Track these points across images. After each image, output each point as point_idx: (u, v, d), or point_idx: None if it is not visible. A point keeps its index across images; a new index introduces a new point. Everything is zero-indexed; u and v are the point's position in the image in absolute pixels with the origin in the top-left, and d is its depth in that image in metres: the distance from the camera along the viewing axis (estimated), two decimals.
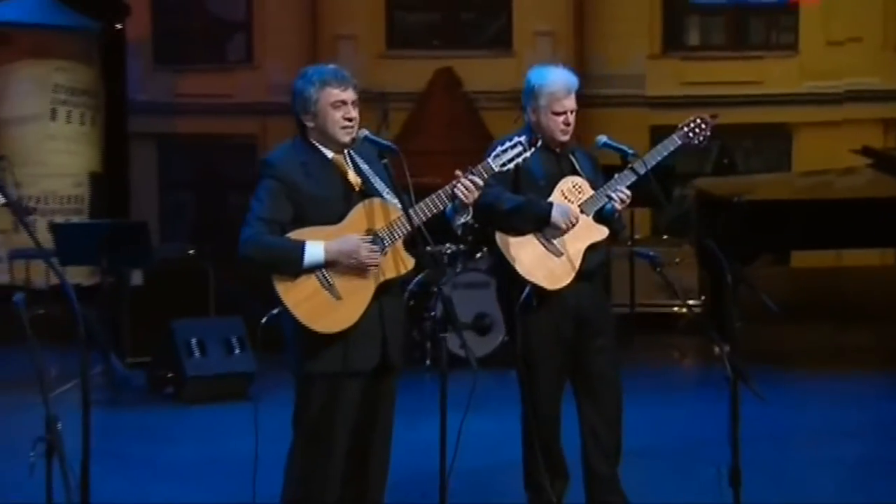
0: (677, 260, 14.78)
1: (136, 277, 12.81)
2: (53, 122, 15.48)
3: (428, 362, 12.92)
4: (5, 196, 6.43)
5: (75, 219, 14.99)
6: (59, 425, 6.03)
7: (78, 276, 13.97)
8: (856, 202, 13.16)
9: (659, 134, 16.44)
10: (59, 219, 14.59)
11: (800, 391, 12.36)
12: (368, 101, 18.06)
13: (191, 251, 14.07)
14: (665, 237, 15.55)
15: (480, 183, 6.87)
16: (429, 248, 7.06)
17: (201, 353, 11.08)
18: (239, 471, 7.77)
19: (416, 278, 12.17)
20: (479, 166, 6.91)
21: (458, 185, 6.73)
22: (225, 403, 10.72)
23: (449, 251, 12.95)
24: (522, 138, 7.13)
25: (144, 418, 10.98)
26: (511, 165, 7.02)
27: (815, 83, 17.19)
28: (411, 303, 12.69)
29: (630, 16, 17.54)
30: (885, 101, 16.98)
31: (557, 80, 7.78)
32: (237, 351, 11.44)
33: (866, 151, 14.21)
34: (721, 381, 9.14)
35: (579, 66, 17.50)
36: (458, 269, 12.87)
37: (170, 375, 11.30)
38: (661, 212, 15.90)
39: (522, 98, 8.03)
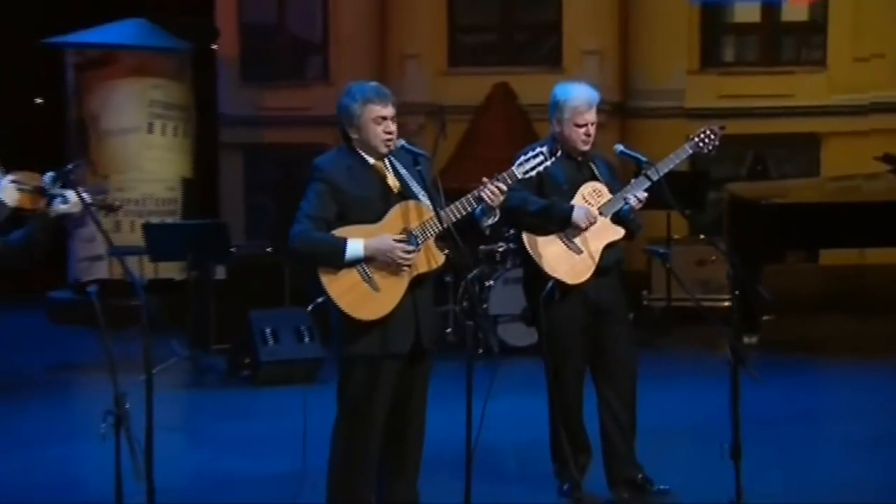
0: (713, 258, 14.50)
1: (221, 272, 12.99)
2: (150, 134, 15.46)
3: (480, 350, 13.04)
4: (81, 198, 6.66)
5: (169, 219, 15.00)
6: (127, 403, 6.19)
7: (170, 271, 14.19)
8: (879, 205, 13.13)
9: None
10: (155, 219, 14.58)
11: (823, 376, 12.30)
12: (431, 113, 18.07)
13: (269, 249, 14.24)
14: (702, 237, 15.21)
15: (504, 188, 6.94)
16: (460, 246, 7.25)
17: (275, 340, 11.18)
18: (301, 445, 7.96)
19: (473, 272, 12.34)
20: (505, 173, 6.97)
21: (485, 189, 6.81)
22: (294, 386, 10.64)
23: (501, 249, 12.81)
24: (544, 148, 7.18)
25: (223, 398, 11.17)
26: (533, 173, 7.12)
27: (842, 96, 16.90)
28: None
29: (671, 35, 17.28)
30: None
31: (580, 96, 7.88)
32: (307, 339, 11.52)
33: (888, 158, 13.97)
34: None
35: (623, 81, 17.74)
36: (508, 266, 12.74)
37: (247, 360, 11.40)
38: (697, 214, 15.90)
39: (548, 110, 8.06)
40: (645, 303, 14.69)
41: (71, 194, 6.67)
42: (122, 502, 6.18)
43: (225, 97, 18.41)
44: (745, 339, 13.44)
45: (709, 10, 17.68)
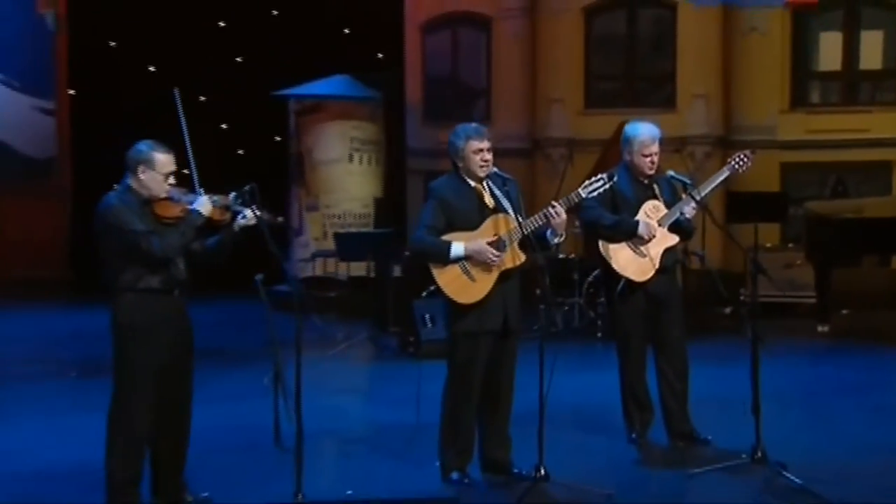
0: (798, 262, 14.22)
1: (396, 270, 13.35)
2: (350, 163, 15.76)
3: (599, 335, 12.79)
4: (255, 213, 6.85)
5: (363, 230, 15.39)
6: (276, 373, 6.70)
7: (358, 269, 14.35)
8: None
9: (787, 170, 16.81)
10: (354, 230, 15.12)
11: (877, 358, 12.06)
12: (569, 145, 17.79)
13: None
14: (790, 245, 15.31)
15: (563, 209, 7.21)
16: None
17: (432, 324, 11.47)
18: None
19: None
20: (573, 193, 7.32)
21: (550, 209, 7.16)
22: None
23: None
24: (605, 175, 7.43)
25: (393, 369, 11.58)
26: (594, 193, 7.38)
27: None
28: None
29: (765, 81, 16.91)
30: None
31: (645, 133, 8.21)
32: None
33: None
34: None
35: (726, 119, 17.43)
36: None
37: (411, 339, 11.77)
38: (787, 226, 15.70)
39: (622, 144, 8.38)
40: (742, 298, 14.35)
41: (248, 211, 6.82)
42: (279, 436, 6.65)
43: (411, 133, 18.43)
44: (819, 328, 13.24)
45: (797, 59, 17.21)
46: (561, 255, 13.30)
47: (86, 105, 17.15)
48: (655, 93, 17.62)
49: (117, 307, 6.68)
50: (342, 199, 15.76)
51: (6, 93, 17.95)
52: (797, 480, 7.19)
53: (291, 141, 16.29)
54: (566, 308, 13.18)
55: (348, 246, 13.40)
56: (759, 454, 7.51)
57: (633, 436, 8.24)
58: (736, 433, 8.01)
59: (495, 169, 7.33)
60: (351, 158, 15.74)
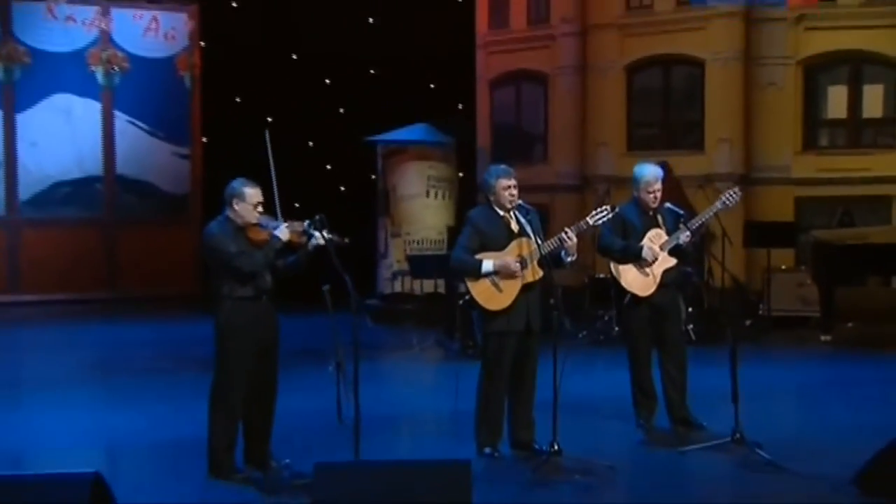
0: (808, 281, 13.94)
1: (462, 287, 13.26)
2: (427, 198, 15.70)
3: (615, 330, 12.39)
4: (325, 238, 6.93)
5: (431, 253, 15.09)
6: (338, 363, 6.64)
7: (432, 286, 14.52)
8: None
9: (801, 204, 16.62)
10: (423, 253, 14.98)
11: (868, 360, 11.97)
12: (614, 182, 17.00)
13: None
14: (802, 267, 14.95)
15: (574, 233, 7.41)
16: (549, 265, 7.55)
17: None
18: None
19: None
20: (581, 221, 7.54)
21: (563, 234, 7.37)
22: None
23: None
24: (608, 207, 7.71)
25: (454, 368, 10.99)
26: (599, 222, 7.59)
27: None
28: None
29: (781, 127, 16.75)
30: None
31: (650, 174, 8.32)
32: None
33: None
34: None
35: (747, 159, 17.14)
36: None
37: (471, 343, 11.49)
38: (800, 251, 15.28)
39: (633, 182, 8.42)
40: (760, 312, 14.15)
41: (318, 235, 6.93)
42: (340, 414, 6.59)
43: (481, 172, 18.03)
44: (822, 338, 13.02)
45: (808, 108, 16.98)
46: (600, 275, 13.09)
47: (215, 150, 17.19)
48: (687, 137, 17.47)
49: (218, 311, 6.97)
50: (420, 227, 15.66)
51: (151, 141, 18.04)
52: (767, 456, 7.30)
53: (379, 179, 16.22)
54: (606, 318, 13.02)
55: (420, 266, 13.50)
56: (738, 436, 7.59)
57: (641, 421, 8.33)
58: (746, 420, 7.92)
59: (520, 201, 7.50)
60: (428, 194, 15.70)
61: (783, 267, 14.65)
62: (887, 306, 14.65)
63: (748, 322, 13.98)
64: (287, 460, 6.99)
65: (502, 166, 7.78)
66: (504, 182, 7.52)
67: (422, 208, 15.64)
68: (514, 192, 7.52)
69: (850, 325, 13.65)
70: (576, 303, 13.15)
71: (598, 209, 7.67)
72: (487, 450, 7.52)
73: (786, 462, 7.29)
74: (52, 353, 13.20)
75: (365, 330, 13.73)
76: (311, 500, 5.48)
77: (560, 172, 17.95)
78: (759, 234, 14.68)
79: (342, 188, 17.10)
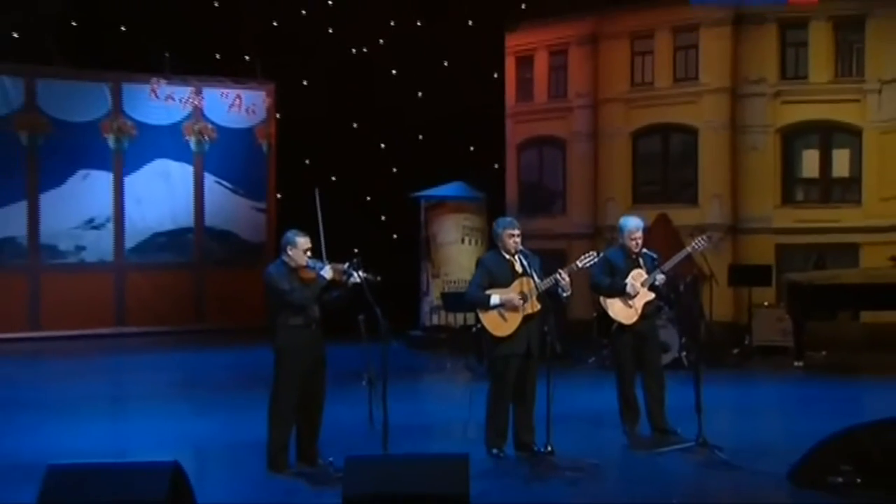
0: (787, 315, 13.61)
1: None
2: (462, 244, 15.55)
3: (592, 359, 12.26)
4: (360, 277, 7.13)
5: (461, 290, 14.12)
6: (369, 378, 6.95)
7: (462, 319, 14.09)
8: (891, 284, 12.88)
9: (780, 250, 16.49)
10: (454, 290, 14.28)
11: (832, 383, 11.84)
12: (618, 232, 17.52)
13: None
14: (782, 304, 14.29)
15: (566, 273, 7.57)
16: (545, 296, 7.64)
17: None
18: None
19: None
20: (572, 264, 7.74)
21: (557, 275, 7.57)
22: None
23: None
24: (595, 252, 7.98)
25: (478, 386, 10.23)
26: (588, 265, 7.83)
27: (872, 221, 16.01)
28: None
29: (763, 184, 16.49)
30: None
31: (632, 225, 8.46)
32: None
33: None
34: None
35: (734, 212, 16.74)
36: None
37: None
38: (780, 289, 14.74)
39: (618, 231, 8.54)
40: (745, 342, 13.96)
41: (355, 274, 7.16)
42: (372, 419, 6.93)
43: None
44: (795, 363, 12.85)
45: (786, 169, 16.75)
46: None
47: (287, 205, 17.14)
48: (683, 193, 17.32)
49: (276, 337, 7.33)
50: (456, 269, 15.40)
51: (234, 197, 17.91)
52: (723, 456, 7.56)
53: (422, 228, 16.05)
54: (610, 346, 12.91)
55: (452, 302, 13.41)
56: (702, 440, 7.81)
57: (626, 428, 8.45)
58: (722, 428, 8.33)
59: (521, 247, 7.72)
60: (463, 241, 15.57)
61: (765, 303, 14.55)
62: (855, 337, 14.68)
63: (735, 350, 13.79)
64: (331, 458, 7.09)
65: (508, 219, 8.06)
66: (509, 232, 7.73)
67: (457, 253, 15.53)
68: (518, 239, 7.71)
69: (823, 353, 13.60)
70: (585, 333, 13.09)
71: (586, 254, 7.89)
72: (495, 451, 7.70)
73: (741, 462, 7.51)
74: (149, 373, 13.43)
75: (406, 355, 13.82)
76: (344, 487, 5.65)
77: (576, 222, 18.01)
78: (740, 275, 14.73)
79: (394, 236, 17.19)
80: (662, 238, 14.40)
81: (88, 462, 5.94)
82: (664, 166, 17.78)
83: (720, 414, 9.52)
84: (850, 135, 16.70)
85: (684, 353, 12.47)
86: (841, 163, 16.82)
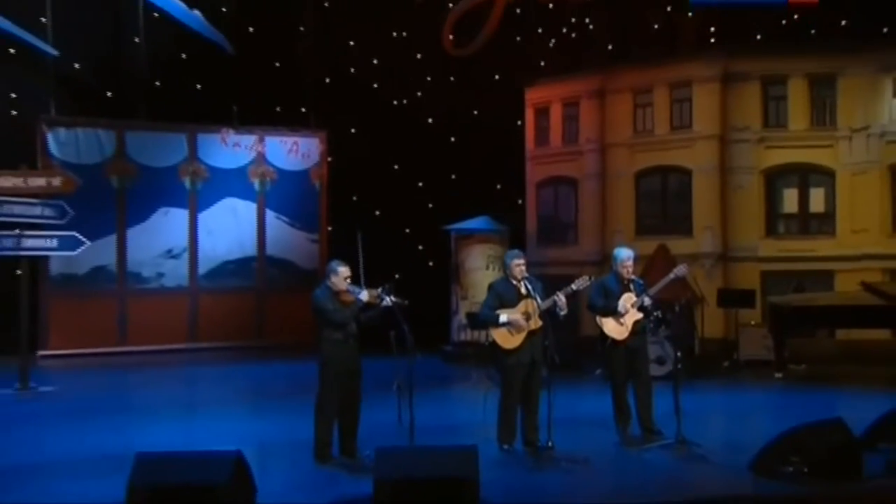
0: (769, 333, 13.41)
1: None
2: (486, 270, 15.28)
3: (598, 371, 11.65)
4: (392, 300, 7.33)
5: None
6: (398, 385, 7.28)
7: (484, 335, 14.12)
8: (864, 306, 12.93)
9: (765, 276, 16.55)
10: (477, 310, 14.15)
11: (807, 393, 11.68)
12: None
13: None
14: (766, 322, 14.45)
15: (563, 295, 7.62)
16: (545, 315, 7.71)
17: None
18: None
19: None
20: (567, 287, 7.75)
21: (556, 297, 7.70)
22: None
23: (652, 323, 10.61)
24: (587, 276, 8.03)
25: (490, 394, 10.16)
26: (580, 288, 7.85)
27: (845, 251, 16.06)
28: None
29: (749, 218, 16.49)
30: (882, 259, 15.84)
31: (624, 254, 8.54)
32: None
33: (864, 284, 13.53)
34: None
35: (724, 242, 16.73)
36: (650, 333, 10.64)
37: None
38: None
39: (612, 260, 8.62)
40: (734, 357, 13.94)
41: (387, 298, 7.34)
42: (401, 419, 7.24)
43: (529, 251, 17.06)
44: (776, 375, 12.80)
45: (769, 205, 16.75)
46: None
47: (337, 236, 17.02)
48: (680, 226, 17.28)
49: (320, 350, 7.50)
50: (481, 293, 12.70)
51: (291, 230, 17.77)
52: (700, 451, 7.77)
53: (453, 256, 15.91)
54: None
55: (475, 321, 12.59)
56: (682, 437, 7.98)
57: (619, 429, 8.53)
58: (705, 429, 8.49)
59: (527, 274, 7.95)
60: (487, 267, 15.38)
61: (752, 322, 14.60)
62: (832, 352, 14.82)
63: (725, 363, 13.73)
64: (368, 451, 7.15)
65: (515, 251, 8.28)
66: (516, 262, 7.95)
67: (482, 278, 15.12)
68: (523, 268, 7.92)
69: (802, 366, 13.57)
70: (593, 348, 13.22)
71: (580, 278, 8.05)
72: (505, 446, 7.85)
73: (714, 456, 7.73)
74: (217, 382, 13.55)
75: (439, 367, 13.82)
76: (374, 473, 6.04)
77: (586, 251, 17.99)
78: (727, 298, 14.86)
79: (429, 263, 17.38)
80: (662, 265, 14.40)
81: (168, 451, 6.40)
82: (663, 202, 17.75)
83: (708, 417, 9.73)
84: (825, 175, 16.75)
85: (679, 366, 12.55)
86: (817, 200, 16.85)
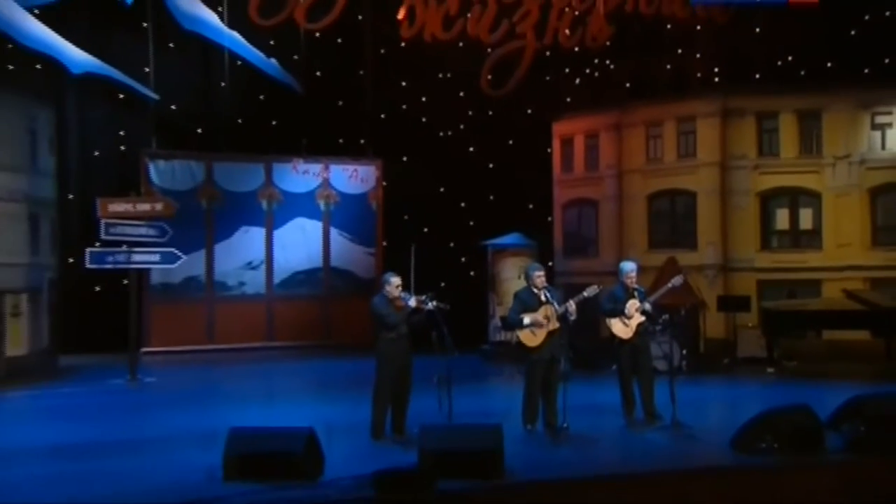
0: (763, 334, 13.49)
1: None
2: (519, 280, 14.05)
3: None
4: (434, 305, 7.49)
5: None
6: (439, 378, 7.27)
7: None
8: (845, 311, 13.13)
9: (761, 285, 16.63)
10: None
11: (797, 387, 11.64)
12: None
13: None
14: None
15: (575, 302, 7.84)
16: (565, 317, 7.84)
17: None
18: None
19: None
20: (579, 295, 7.96)
21: (568, 304, 7.95)
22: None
23: (659, 327, 10.07)
24: (596, 286, 8.17)
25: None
26: (591, 295, 8.03)
27: (831, 262, 16.17)
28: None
29: (747, 234, 16.55)
30: (863, 270, 15.95)
31: (627, 267, 8.76)
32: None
33: (846, 291, 13.85)
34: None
35: (724, 255, 16.81)
36: (659, 334, 10.77)
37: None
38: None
39: (618, 272, 8.81)
40: (733, 355, 13.93)
41: (431, 304, 7.61)
42: (441, 405, 7.33)
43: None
44: (768, 370, 12.78)
45: (764, 223, 16.80)
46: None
47: (392, 250, 16.91)
48: (686, 241, 17.32)
49: (377, 348, 7.75)
50: (510, 300, 14.35)
51: (352, 245, 17.73)
52: (690, 432, 7.99)
53: (489, 268, 16.01)
54: None
55: (506, 323, 12.68)
56: (676, 421, 8.23)
57: (625, 414, 8.75)
58: (703, 414, 8.69)
59: (546, 284, 8.20)
60: (519, 277, 14.66)
61: (749, 324, 14.60)
62: (820, 350, 14.83)
63: (725, 361, 13.65)
64: (415, 430, 7.18)
65: (537, 264, 8.63)
66: (537, 273, 8.25)
67: (515, 287, 12.76)
68: (543, 279, 8.19)
69: (794, 363, 13.56)
70: (610, 347, 13.29)
71: (590, 287, 8.31)
72: (528, 427, 8.13)
73: (704, 436, 7.95)
74: (291, 375, 13.69)
75: (478, 364, 13.81)
76: (419, 444, 6.44)
77: (605, 263, 17.82)
78: (726, 303, 15.02)
79: (471, 273, 17.33)
80: (671, 274, 13.98)
81: (254, 426, 6.93)
82: (672, 220, 17.79)
83: (706, 405, 10.05)
84: (813, 197, 16.91)
85: (683, 363, 12.40)
86: (806, 218, 16.99)
